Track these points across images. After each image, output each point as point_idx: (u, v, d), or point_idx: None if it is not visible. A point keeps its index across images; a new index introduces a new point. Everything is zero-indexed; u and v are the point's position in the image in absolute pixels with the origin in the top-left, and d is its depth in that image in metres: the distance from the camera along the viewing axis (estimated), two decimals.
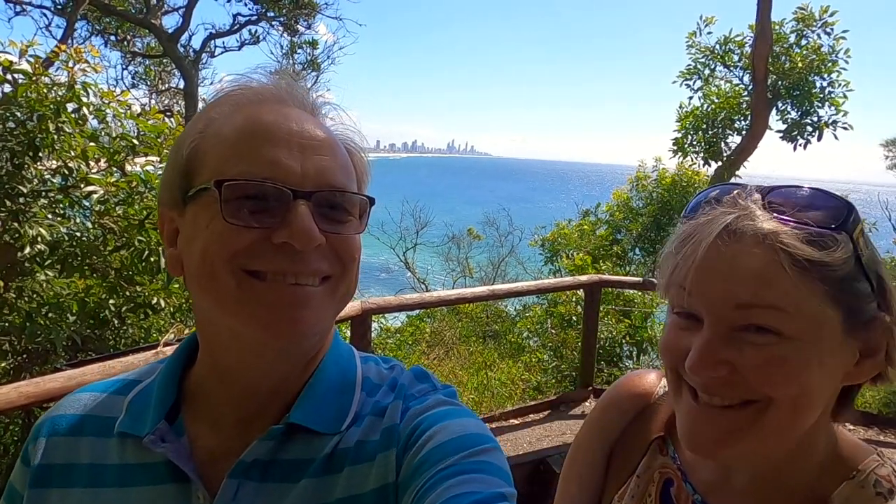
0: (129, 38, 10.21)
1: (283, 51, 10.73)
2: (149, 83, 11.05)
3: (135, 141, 4.62)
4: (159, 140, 4.87)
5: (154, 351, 3.10)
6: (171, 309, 5.19)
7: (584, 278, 6.64)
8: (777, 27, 6.79)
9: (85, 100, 4.51)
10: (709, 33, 7.39)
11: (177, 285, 5.21)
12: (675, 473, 0.85)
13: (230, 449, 0.67)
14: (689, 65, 7.51)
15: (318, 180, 0.64)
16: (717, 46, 7.34)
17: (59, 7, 9.97)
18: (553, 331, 8.65)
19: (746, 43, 7.12)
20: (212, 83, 11.70)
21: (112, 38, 10.24)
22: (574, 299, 8.43)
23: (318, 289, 0.66)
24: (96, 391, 0.76)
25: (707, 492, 0.80)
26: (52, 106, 4.18)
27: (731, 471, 0.77)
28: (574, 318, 8.26)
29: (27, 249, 3.73)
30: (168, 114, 11.01)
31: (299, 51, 10.71)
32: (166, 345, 4.27)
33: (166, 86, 10.98)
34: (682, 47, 7.55)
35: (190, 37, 9.74)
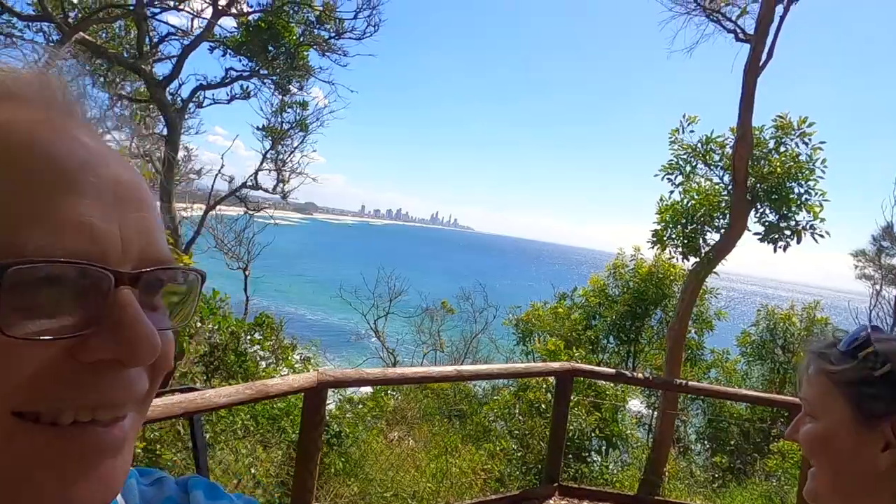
0: (117, 80, 10.18)
1: (273, 108, 10.80)
2: (132, 127, 10.90)
3: None
4: None
5: None
6: None
7: (555, 365, 6.36)
8: (757, 132, 6.96)
9: None
10: (691, 131, 7.54)
11: None
12: None
13: None
14: (671, 160, 7.61)
15: (143, 252, 0.40)
16: (699, 145, 7.48)
17: (51, 43, 9.96)
18: (521, 417, 8.25)
19: (727, 144, 7.26)
20: (197, 133, 11.66)
21: (101, 79, 10.20)
22: (545, 386, 8.10)
23: (130, 420, 0.41)
24: None
25: None
26: None
27: None
28: (543, 405, 7.90)
29: None
30: (147, 158, 10.85)
31: (289, 110, 10.78)
32: None
33: (149, 131, 10.88)
34: (663, 141, 7.72)
35: (180, 85, 9.74)
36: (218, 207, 16.88)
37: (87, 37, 8.39)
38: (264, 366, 9.81)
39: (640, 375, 7.51)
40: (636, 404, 11.21)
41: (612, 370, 7.47)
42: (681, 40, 7.88)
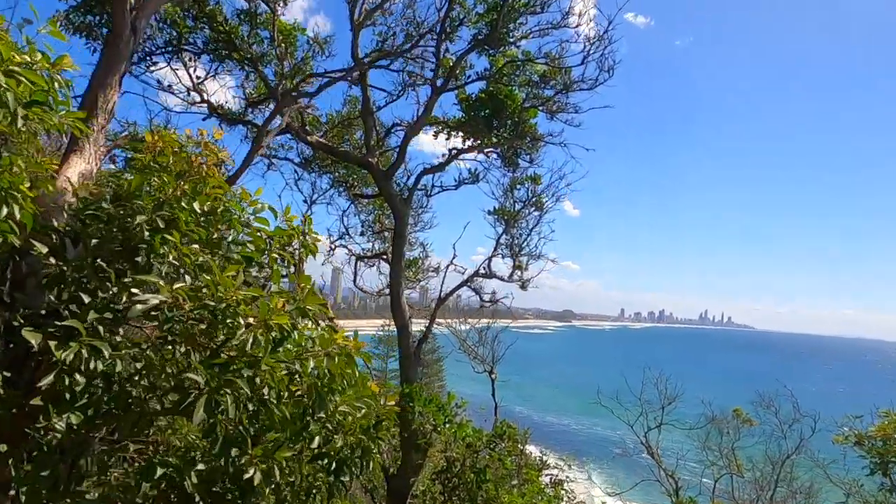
0: (356, 184, 10.47)
1: (503, 189, 9.85)
2: (374, 229, 11.10)
3: (250, 247, 3.47)
4: (285, 249, 3.69)
5: None
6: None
7: None
8: None
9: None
10: None
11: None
12: None
13: None
14: None
15: None
16: None
17: (305, 160, 10.78)
18: None
19: None
20: (430, 227, 11.28)
21: (342, 185, 10.65)
22: None
23: None
24: None
25: None
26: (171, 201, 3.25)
27: None
28: None
29: (44, 380, 2.54)
30: (384, 258, 10.66)
31: (519, 187, 9.69)
32: None
33: (382, 228, 10.86)
34: None
35: (408, 178, 9.47)
36: (469, 318, 16.46)
37: (321, 140, 8.61)
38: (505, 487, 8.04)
39: None
40: None
41: None
42: None
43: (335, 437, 3.99)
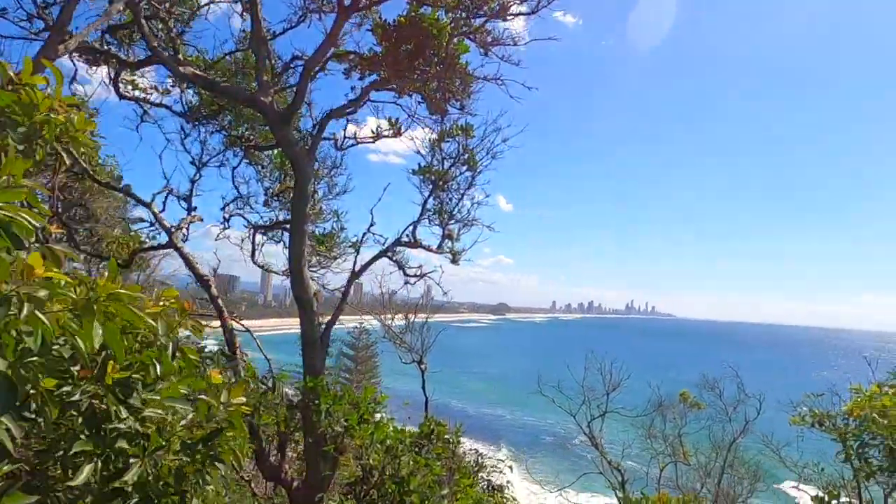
0: (254, 139, 8.67)
1: (430, 143, 8.34)
2: (275, 191, 9.30)
3: None
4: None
5: None
6: None
7: None
8: None
9: None
10: None
11: None
12: None
13: None
14: None
15: None
16: None
17: (189, 108, 8.79)
18: None
19: None
20: (346, 192, 9.59)
21: (239, 143, 8.78)
22: None
23: None
24: None
25: None
26: None
27: None
28: None
29: None
30: (287, 227, 8.91)
31: (449, 140, 8.20)
32: None
33: (284, 187, 9.06)
34: None
35: (314, 127, 7.77)
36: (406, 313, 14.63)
37: (197, 72, 6.79)
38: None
39: None
40: None
41: None
42: None
43: (131, 461, 2.39)
